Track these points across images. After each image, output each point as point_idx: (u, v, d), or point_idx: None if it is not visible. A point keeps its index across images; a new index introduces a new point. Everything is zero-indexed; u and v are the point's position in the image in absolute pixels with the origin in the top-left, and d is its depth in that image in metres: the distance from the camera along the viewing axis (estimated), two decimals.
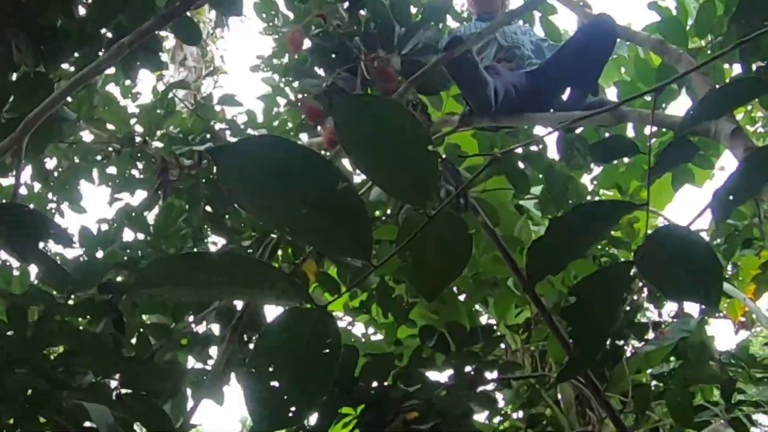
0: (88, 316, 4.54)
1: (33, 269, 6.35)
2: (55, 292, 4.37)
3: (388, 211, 5.74)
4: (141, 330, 5.06)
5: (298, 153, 1.60)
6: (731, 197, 2.03)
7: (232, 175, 1.59)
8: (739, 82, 2.10)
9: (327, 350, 1.69)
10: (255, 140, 1.60)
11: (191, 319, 5.62)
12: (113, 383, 3.97)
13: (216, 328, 5.34)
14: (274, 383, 1.67)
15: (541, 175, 5.76)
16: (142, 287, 1.67)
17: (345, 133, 1.65)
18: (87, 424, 3.94)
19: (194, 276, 1.63)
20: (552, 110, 4.99)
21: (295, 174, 1.59)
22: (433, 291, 1.92)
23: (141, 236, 5.75)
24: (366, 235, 1.67)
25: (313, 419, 5.09)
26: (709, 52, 5.24)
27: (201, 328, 5.42)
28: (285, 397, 1.68)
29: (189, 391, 5.04)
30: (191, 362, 5.30)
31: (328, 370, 1.72)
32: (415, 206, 1.74)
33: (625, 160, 6.61)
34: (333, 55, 4.85)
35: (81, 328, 4.45)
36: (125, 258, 5.65)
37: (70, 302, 4.56)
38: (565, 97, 5.04)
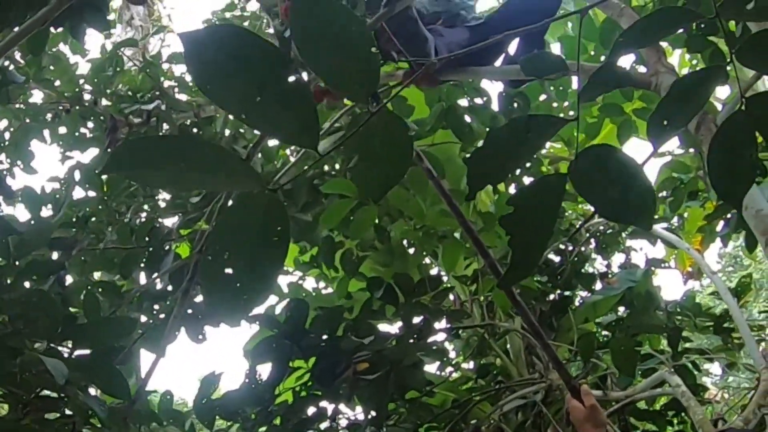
0: (34, 277, 4.53)
1: None
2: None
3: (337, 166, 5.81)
4: (89, 288, 5.07)
5: (256, 44, 1.72)
6: (665, 122, 2.12)
7: (196, 60, 1.71)
8: (663, 11, 2.18)
9: (277, 237, 1.82)
10: (218, 29, 1.72)
11: (143, 280, 5.63)
12: (66, 351, 3.98)
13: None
14: (228, 270, 1.80)
15: (487, 129, 5.82)
16: (113, 169, 1.83)
17: (298, 26, 1.77)
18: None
19: (159, 160, 1.74)
20: (497, 64, 5.05)
21: (251, 63, 1.71)
22: (379, 190, 2.05)
23: (92, 194, 5.75)
24: (313, 125, 1.79)
25: (265, 373, 5.15)
26: (651, 6, 5.33)
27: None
28: (238, 284, 1.81)
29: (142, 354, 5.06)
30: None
31: (278, 256, 1.86)
32: (359, 100, 1.92)
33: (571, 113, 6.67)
34: None
35: (28, 287, 4.45)
36: (74, 217, 5.66)
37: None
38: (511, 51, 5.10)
